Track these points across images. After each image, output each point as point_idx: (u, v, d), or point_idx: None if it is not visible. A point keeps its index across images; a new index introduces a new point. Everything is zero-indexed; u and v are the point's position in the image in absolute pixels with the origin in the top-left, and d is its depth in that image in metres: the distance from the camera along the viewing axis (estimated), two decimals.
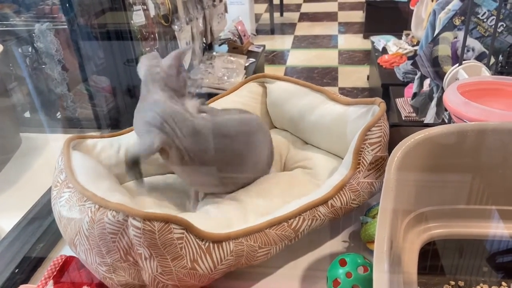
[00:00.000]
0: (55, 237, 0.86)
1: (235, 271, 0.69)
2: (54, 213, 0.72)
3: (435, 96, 1.73)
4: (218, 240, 0.65)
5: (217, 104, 1.00)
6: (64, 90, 1.83)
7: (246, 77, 2.01)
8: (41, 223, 0.90)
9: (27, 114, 1.84)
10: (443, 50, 1.54)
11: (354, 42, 4.24)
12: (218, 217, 0.78)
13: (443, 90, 1.60)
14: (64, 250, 0.81)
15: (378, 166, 0.79)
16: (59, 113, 1.89)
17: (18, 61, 1.81)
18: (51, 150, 1.37)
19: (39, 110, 1.87)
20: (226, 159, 0.81)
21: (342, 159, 0.90)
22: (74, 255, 0.74)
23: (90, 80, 1.86)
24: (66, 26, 1.73)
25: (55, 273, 0.73)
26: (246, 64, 3.00)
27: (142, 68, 0.80)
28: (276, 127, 1.09)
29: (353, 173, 0.78)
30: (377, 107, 0.83)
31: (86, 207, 0.64)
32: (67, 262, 0.75)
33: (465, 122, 0.82)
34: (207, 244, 0.64)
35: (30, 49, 1.80)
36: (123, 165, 0.87)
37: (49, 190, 0.77)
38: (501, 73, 1.59)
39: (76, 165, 0.74)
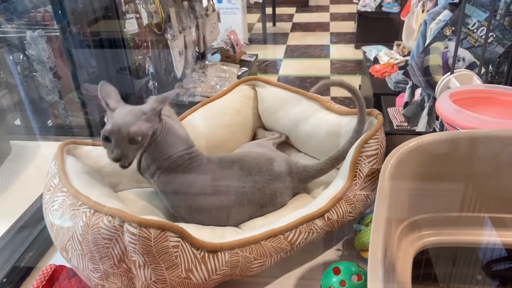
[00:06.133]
0: (44, 246, 0.85)
1: (229, 281, 0.69)
2: (46, 218, 0.70)
3: (427, 105, 1.74)
4: (213, 250, 0.64)
5: (209, 108, 0.99)
6: (55, 98, 1.82)
7: None
8: (30, 231, 0.88)
9: (17, 122, 1.82)
10: (434, 60, 1.56)
11: (346, 52, 4.27)
12: (211, 227, 0.77)
13: (434, 100, 1.61)
14: (54, 259, 0.80)
15: (374, 179, 0.79)
16: (50, 120, 1.88)
17: (9, 68, 1.79)
18: (42, 158, 1.36)
19: (30, 118, 1.85)
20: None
21: (337, 169, 0.90)
22: (64, 264, 0.73)
23: (82, 88, 1.85)
24: (58, 33, 1.73)
25: (44, 282, 0.72)
26: (239, 73, 3.01)
27: None
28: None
29: (350, 185, 0.77)
30: (374, 118, 0.83)
31: (81, 211, 0.63)
32: (57, 271, 0.74)
33: (458, 129, 0.83)
34: (202, 253, 0.63)
35: (21, 56, 1.79)
36: (118, 174, 0.86)
37: (39, 198, 0.75)
38: (491, 83, 1.61)
39: (70, 170, 0.73)
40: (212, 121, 0.97)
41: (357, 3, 4.17)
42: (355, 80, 3.47)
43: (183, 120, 0.96)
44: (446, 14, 1.74)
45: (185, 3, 2.58)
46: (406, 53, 3.13)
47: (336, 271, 0.65)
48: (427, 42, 1.68)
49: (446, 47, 1.52)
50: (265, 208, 0.81)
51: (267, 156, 0.83)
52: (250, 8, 4.61)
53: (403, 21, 2.67)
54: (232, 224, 0.79)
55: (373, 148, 0.78)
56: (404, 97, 2.10)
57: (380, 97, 2.76)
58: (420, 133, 0.94)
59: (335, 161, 0.83)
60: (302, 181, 0.85)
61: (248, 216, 0.80)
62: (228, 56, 3.15)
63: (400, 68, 2.97)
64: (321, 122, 0.92)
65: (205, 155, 0.82)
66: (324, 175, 0.86)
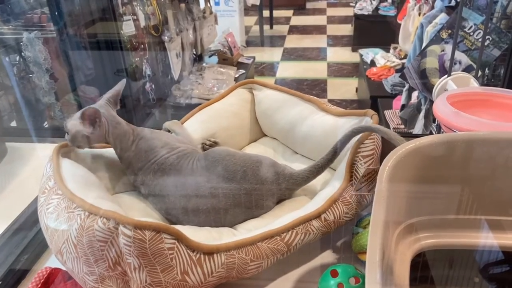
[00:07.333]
0: (40, 248, 0.84)
1: (225, 283, 0.68)
2: (41, 221, 0.70)
3: (423, 108, 1.74)
4: (209, 252, 0.64)
5: (207, 112, 0.99)
6: (52, 100, 1.81)
7: None
8: (26, 234, 0.87)
9: (13, 123, 1.81)
10: (431, 62, 1.56)
11: (342, 55, 4.28)
12: (207, 229, 0.77)
13: (431, 102, 1.62)
14: (49, 262, 0.79)
15: (371, 179, 0.79)
16: (46, 122, 1.87)
17: (6, 69, 1.79)
18: (38, 160, 1.35)
19: (26, 119, 1.85)
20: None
21: (333, 170, 0.90)
22: (59, 267, 0.73)
23: (79, 90, 1.84)
24: (55, 35, 1.72)
25: (39, 285, 0.71)
26: (236, 76, 3.01)
27: None
28: (266, 135, 1.08)
29: (346, 186, 0.77)
30: (369, 119, 0.83)
31: (76, 214, 0.62)
32: (52, 274, 0.73)
33: (455, 132, 0.83)
34: (198, 255, 0.63)
35: (17, 58, 1.79)
36: (114, 176, 0.85)
37: (35, 200, 0.75)
38: (488, 85, 1.62)
39: (65, 172, 0.73)
40: (211, 124, 0.98)
41: (354, 6, 4.19)
42: (352, 83, 3.48)
43: (183, 124, 0.96)
44: (442, 17, 1.75)
45: (182, 5, 2.59)
46: (402, 56, 3.14)
47: (334, 274, 0.65)
48: (424, 45, 1.68)
49: (443, 50, 1.53)
50: (249, 211, 0.80)
51: (254, 159, 0.82)
52: (247, 11, 4.62)
53: (399, 24, 2.68)
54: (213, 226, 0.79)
55: (369, 149, 0.78)
56: (401, 99, 2.10)
57: (377, 99, 2.77)
58: (417, 136, 0.94)
59: (321, 169, 0.82)
60: (289, 189, 0.84)
61: (233, 219, 0.79)
62: (226, 58, 3.15)
63: (397, 71, 2.98)
64: (317, 123, 0.92)
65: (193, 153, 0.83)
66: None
